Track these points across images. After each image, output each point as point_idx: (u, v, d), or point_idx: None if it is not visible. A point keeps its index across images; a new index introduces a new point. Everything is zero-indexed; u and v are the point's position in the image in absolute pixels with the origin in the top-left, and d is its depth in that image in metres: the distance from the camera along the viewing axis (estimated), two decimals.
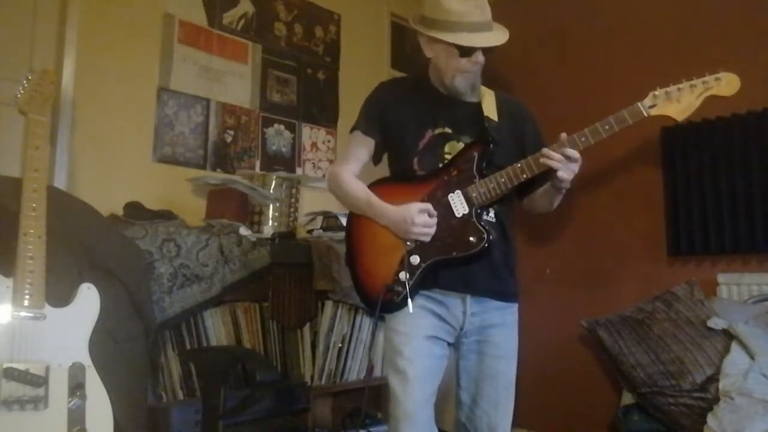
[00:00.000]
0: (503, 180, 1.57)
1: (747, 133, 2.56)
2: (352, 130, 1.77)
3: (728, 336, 2.27)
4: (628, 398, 2.57)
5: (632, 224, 2.92)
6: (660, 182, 2.81)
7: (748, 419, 2.01)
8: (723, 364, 2.20)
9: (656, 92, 1.55)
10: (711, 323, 2.33)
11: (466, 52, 1.58)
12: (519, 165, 1.57)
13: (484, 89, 1.73)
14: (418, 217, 1.55)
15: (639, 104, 1.55)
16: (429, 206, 1.58)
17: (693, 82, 1.54)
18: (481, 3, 1.58)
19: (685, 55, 2.74)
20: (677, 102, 1.54)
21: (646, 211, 2.86)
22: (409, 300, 1.56)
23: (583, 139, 1.53)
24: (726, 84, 1.53)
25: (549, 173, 1.63)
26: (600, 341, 2.62)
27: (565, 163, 1.52)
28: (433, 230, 1.57)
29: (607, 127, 1.53)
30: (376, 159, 1.78)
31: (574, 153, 1.52)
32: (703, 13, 2.74)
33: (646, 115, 1.54)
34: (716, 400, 2.15)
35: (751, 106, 2.49)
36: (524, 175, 1.57)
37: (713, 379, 2.20)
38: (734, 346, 2.22)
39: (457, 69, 1.62)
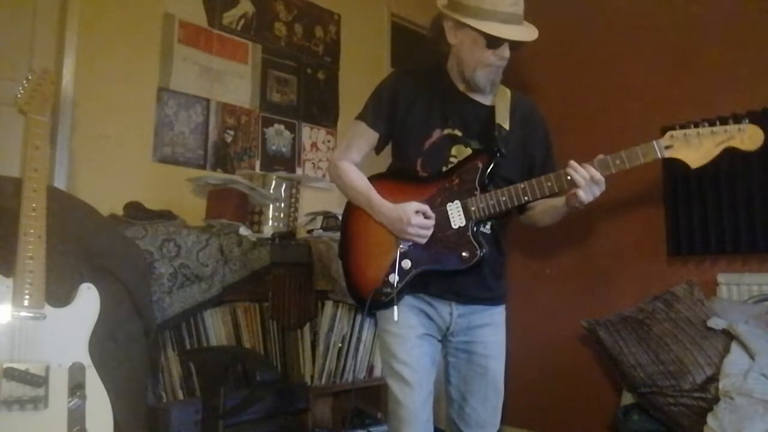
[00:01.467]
0: (504, 199, 1.52)
1: None
2: (358, 118, 1.72)
3: (728, 336, 2.27)
4: (628, 398, 2.57)
5: (632, 224, 2.92)
6: (660, 182, 2.81)
7: (748, 419, 2.01)
8: (723, 364, 2.20)
9: (674, 133, 1.47)
10: (711, 323, 2.32)
11: (493, 43, 1.51)
12: (522, 186, 1.52)
13: (501, 88, 1.67)
14: (415, 218, 1.52)
15: (655, 143, 1.47)
16: (426, 207, 1.55)
17: (714, 129, 1.45)
18: None
19: (688, 54, 2.75)
20: (695, 149, 1.46)
21: (646, 211, 2.86)
22: (395, 307, 1.56)
23: (569, 177, 1.47)
24: (749, 137, 1.44)
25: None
26: (600, 341, 2.62)
27: (589, 183, 1.46)
28: (429, 232, 1.54)
29: (617, 162, 1.47)
30: (379, 149, 1.74)
31: (598, 175, 1.46)
32: (705, 13, 2.74)
33: (660, 156, 1.47)
34: (716, 400, 2.14)
35: (751, 106, 2.48)
36: (525, 198, 1.53)
37: (713, 379, 2.20)
38: (734, 346, 2.22)
39: (480, 61, 1.55)
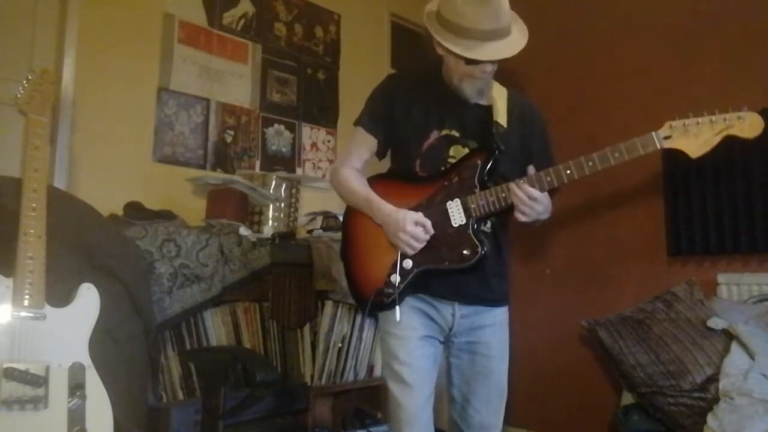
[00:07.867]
0: (503, 195, 1.52)
1: None
2: (356, 123, 1.73)
3: (728, 336, 2.27)
4: (628, 398, 2.57)
5: (632, 224, 2.92)
6: (660, 182, 2.80)
7: (748, 419, 2.01)
8: (723, 364, 2.20)
9: (673, 123, 1.45)
10: (711, 323, 2.32)
11: (473, 61, 1.51)
12: (522, 181, 1.52)
13: (497, 87, 1.67)
14: (410, 227, 1.52)
15: (653, 134, 1.46)
16: (428, 223, 1.54)
17: (713, 117, 1.43)
18: (497, 8, 1.46)
19: (689, 54, 2.75)
20: (695, 137, 1.44)
21: (646, 211, 2.86)
22: (397, 307, 1.56)
23: (568, 171, 1.49)
24: (748, 125, 1.42)
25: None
26: (600, 341, 2.62)
27: (525, 202, 1.48)
28: (419, 245, 1.53)
29: (617, 154, 1.46)
30: (380, 154, 1.74)
31: (534, 193, 1.48)
32: (706, 13, 2.74)
33: (659, 147, 1.45)
34: (716, 400, 2.15)
35: (751, 106, 2.48)
36: None
37: (713, 379, 2.20)
38: (734, 346, 2.22)
39: (464, 74, 1.56)
